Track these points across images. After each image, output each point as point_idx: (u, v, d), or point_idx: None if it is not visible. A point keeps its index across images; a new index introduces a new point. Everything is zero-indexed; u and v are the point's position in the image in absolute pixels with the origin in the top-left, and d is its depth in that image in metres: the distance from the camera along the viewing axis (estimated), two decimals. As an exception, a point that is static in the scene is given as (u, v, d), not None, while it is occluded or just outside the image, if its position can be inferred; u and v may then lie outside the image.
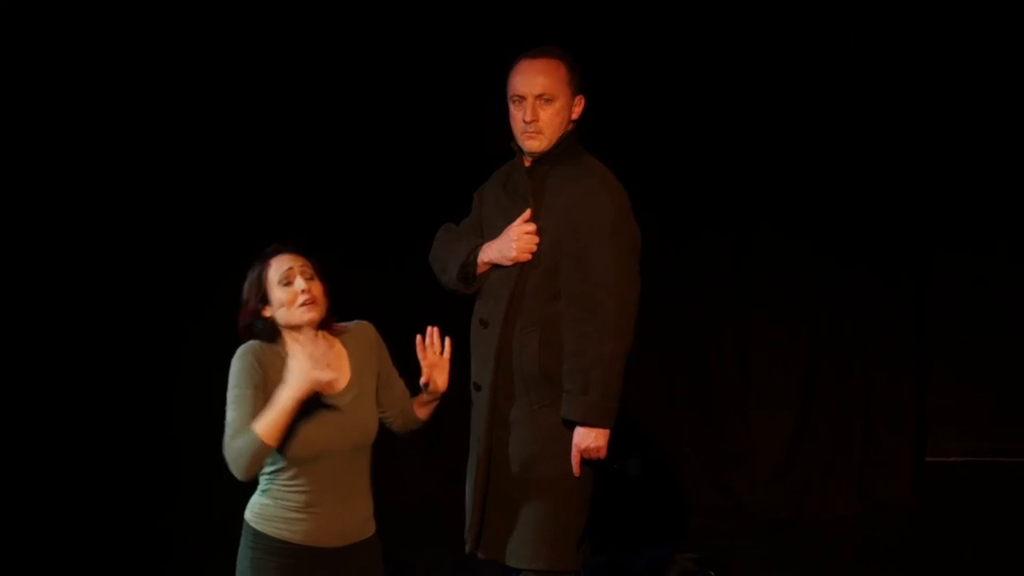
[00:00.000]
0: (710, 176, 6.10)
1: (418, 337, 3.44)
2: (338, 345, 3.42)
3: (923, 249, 6.24)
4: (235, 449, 3.21)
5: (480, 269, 3.91)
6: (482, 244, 3.91)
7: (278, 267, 3.34)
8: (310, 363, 3.20)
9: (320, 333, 3.39)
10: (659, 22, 5.88)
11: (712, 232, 6.17)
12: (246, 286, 3.36)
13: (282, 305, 3.31)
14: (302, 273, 3.33)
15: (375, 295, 6.10)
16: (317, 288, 3.34)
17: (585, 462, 3.81)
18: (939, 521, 5.90)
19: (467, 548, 3.97)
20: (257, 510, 3.38)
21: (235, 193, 5.82)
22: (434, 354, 3.46)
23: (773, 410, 6.17)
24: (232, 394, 3.28)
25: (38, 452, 5.56)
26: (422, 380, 3.49)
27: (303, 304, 3.30)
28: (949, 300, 6.33)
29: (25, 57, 5.44)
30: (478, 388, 3.93)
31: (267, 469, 3.33)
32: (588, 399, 3.73)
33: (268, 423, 3.18)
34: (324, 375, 3.21)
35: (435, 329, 3.45)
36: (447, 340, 3.46)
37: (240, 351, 3.32)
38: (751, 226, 6.16)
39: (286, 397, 3.18)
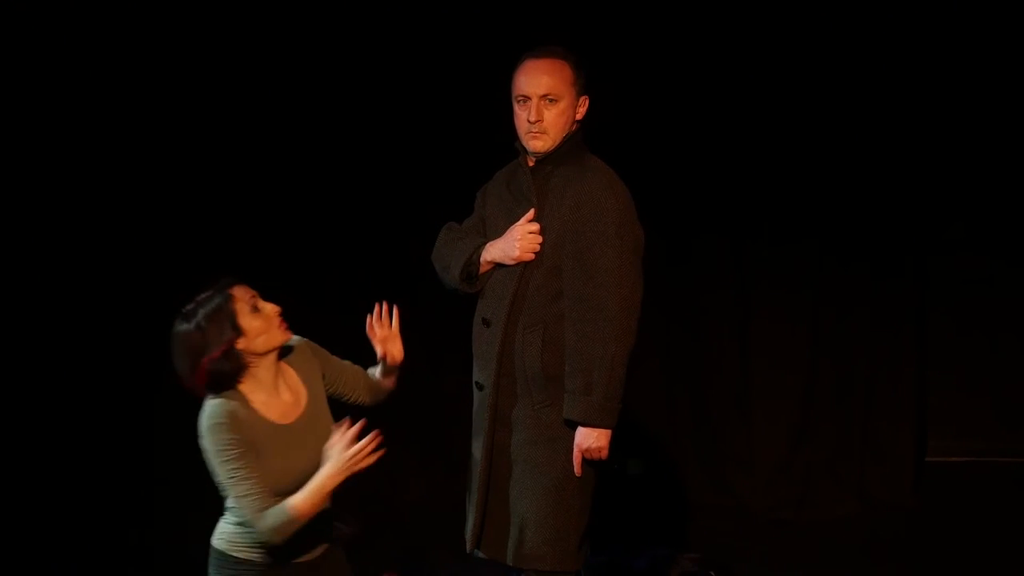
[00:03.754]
0: (710, 177, 6.09)
1: (368, 317, 3.49)
2: (287, 369, 3.39)
3: (923, 249, 6.23)
4: (268, 527, 3.17)
5: (483, 268, 3.91)
6: (485, 243, 3.91)
7: (243, 295, 3.25)
8: (348, 453, 3.16)
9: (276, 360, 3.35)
10: (659, 23, 5.87)
11: (712, 232, 6.16)
12: (206, 325, 3.19)
13: (261, 332, 3.24)
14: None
15: (375, 294, 6.14)
16: None
17: (587, 462, 3.81)
18: (939, 521, 5.90)
19: (467, 548, 3.97)
20: (227, 536, 3.35)
21: (234, 194, 5.82)
22: (383, 328, 3.51)
23: (773, 410, 6.15)
24: (227, 469, 3.18)
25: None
26: (379, 356, 3.56)
27: (282, 324, 3.28)
28: (949, 300, 6.32)
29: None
30: (480, 387, 3.93)
31: None
32: (590, 399, 3.73)
33: (303, 502, 3.17)
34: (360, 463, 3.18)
35: (384, 303, 3.50)
36: (395, 311, 3.52)
37: (210, 418, 3.20)
38: (751, 226, 6.15)
39: (325, 484, 3.17)
